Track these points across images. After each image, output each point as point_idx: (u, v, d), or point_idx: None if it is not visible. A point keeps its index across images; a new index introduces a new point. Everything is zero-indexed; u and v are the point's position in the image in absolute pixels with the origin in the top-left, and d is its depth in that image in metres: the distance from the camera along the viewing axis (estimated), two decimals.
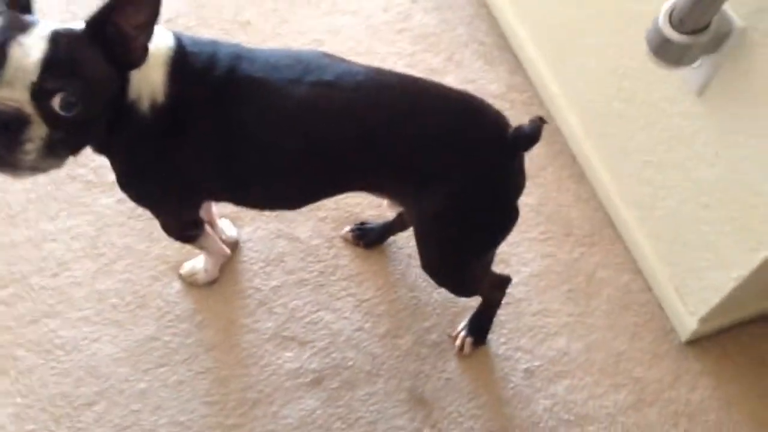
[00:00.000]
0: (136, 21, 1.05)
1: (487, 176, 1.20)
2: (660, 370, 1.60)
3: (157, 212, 1.43)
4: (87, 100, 1.03)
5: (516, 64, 2.06)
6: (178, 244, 1.67)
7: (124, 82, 1.12)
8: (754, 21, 1.26)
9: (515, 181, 1.25)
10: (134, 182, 1.31)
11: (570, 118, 1.87)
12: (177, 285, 1.64)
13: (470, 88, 1.97)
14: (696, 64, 1.35)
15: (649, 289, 1.70)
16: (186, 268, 1.65)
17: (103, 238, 1.69)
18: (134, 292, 1.63)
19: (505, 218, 1.27)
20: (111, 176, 1.72)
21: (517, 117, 1.80)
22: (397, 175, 1.22)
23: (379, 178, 1.26)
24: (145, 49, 1.08)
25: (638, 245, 1.70)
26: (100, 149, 1.23)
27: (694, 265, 1.55)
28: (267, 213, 1.74)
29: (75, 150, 1.12)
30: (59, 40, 1.02)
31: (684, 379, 1.60)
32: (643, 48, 1.40)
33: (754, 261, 1.38)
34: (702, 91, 1.40)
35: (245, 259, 1.69)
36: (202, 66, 1.16)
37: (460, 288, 1.46)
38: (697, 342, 1.64)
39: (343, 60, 1.23)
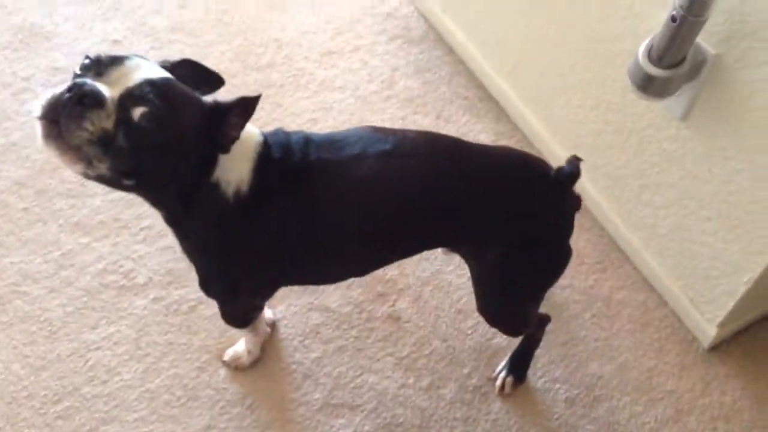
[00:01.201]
0: (239, 116, 1.16)
1: (541, 222, 1.31)
2: (690, 380, 1.70)
3: (229, 301, 1.50)
4: (165, 130, 1.08)
5: (500, 112, 2.19)
6: (216, 333, 1.74)
7: (209, 161, 1.20)
8: (725, 48, 1.38)
9: (566, 221, 1.35)
10: (214, 272, 1.37)
11: (560, 154, 1.98)
12: (223, 372, 1.71)
13: None
14: (677, 93, 1.48)
15: (665, 303, 1.80)
16: (229, 354, 1.71)
17: (145, 338, 1.76)
18: (184, 385, 1.69)
19: (561, 258, 1.37)
20: (142, 278, 1.84)
21: None
22: (459, 232, 1.33)
23: (443, 236, 1.36)
24: (234, 141, 1.17)
25: (647, 264, 1.81)
26: (170, 221, 1.29)
27: (705, 274, 1.65)
28: (296, 289, 1.82)
29: (124, 172, 1.10)
30: (174, 82, 1.12)
31: (713, 384, 1.69)
32: (622, 83, 1.53)
33: (762, 263, 1.49)
34: (686, 116, 1.52)
35: (283, 336, 1.77)
36: (281, 155, 1.26)
37: (513, 328, 1.55)
38: (718, 347, 1.74)
39: (395, 130, 1.34)
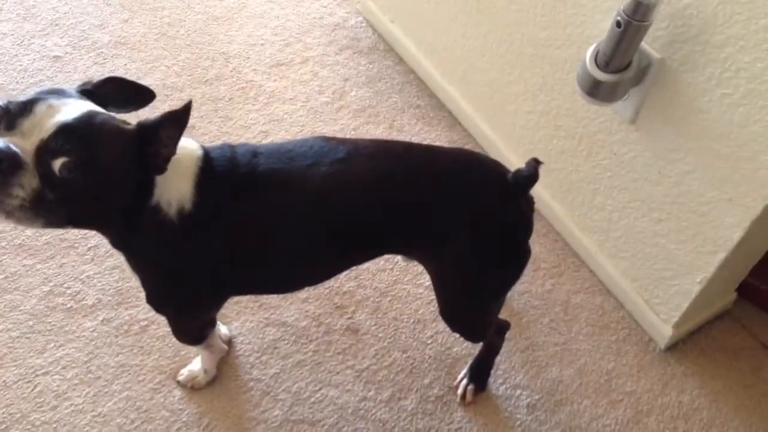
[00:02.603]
0: (169, 133, 1.11)
1: (497, 223, 1.30)
2: (648, 380, 1.71)
3: (180, 315, 1.46)
4: (90, 175, 1.04)
5: (453, 120, 2.19)
6: (170, 353, 1.70)
7: (146, 185, 1.16)
8: (669, 52, 1.41)
9: (524, 222, 1.34)
10: (162, 288, 1.33)
11: (513, 160, 1.99)
12: (178, 392, 1.66)
13: None
14: (625, 97, 1.49)
15: (622, 306, 1.82)
16: (184, 373, 1.67)
17: (96, 361, 1.70)
18: (137, 408, 1.64)
19: (518, 259, 1.36)
20: (90, 299, 1.78)
21: None
22: (415, 235, 1.31)
23: (400, 239, 1.34)
24: (168, 160, 1.13)
25: (602, 267, 1.82)
26: (117, 245, 1.26)
27: (659, 275, 1.67)
28: (251, 304, 1.78)
29: (66, 221, 1.10)
30: (90, 117, 1.06)
31: (671, 384, 1.71)
32: (572, 88, 1.54)
33: (714, 263, 1.51)
34: (634, 119, 1.54)
35: (240, 352, 1.73)
36: (225, 170, 1.22)
37: (474, 332, 1.54)
38: (675, 347, 1.76)
39: (346, 139, 1.32)
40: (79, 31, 2.33)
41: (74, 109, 1.07)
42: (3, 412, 1.61)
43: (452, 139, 2.14)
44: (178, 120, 1.11)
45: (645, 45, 1.41)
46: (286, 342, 1.75)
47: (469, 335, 1.56)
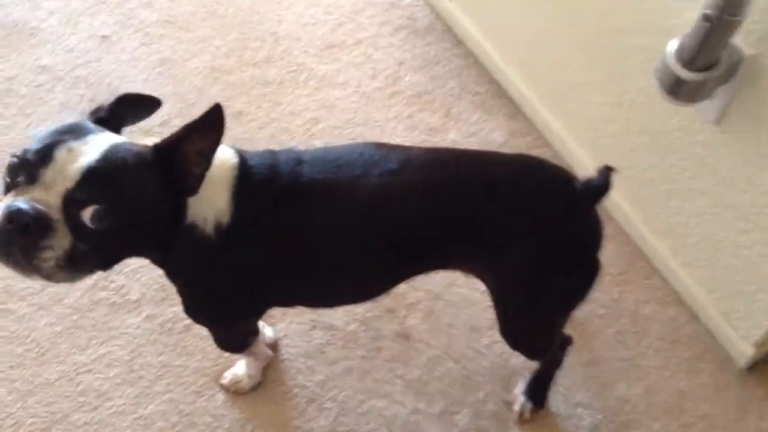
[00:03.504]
0: (198, 147, 1.03)
1: (562, 235, 1.20)
2: (725, 403, 1.58)
3: (221, 327, 1.41)
4: (122, 218, 1.00)
5: (514, 109, 2.05)
6: (213, 355, 1.64)
7: (179, 207, 1.09)
8: (762, 48, 1.26)
9: (592, 234, 1.24)
10: (203, 303, 1.28)
11: (580, 154, 1.85)
12: (221, 396, 1.61)
13: (473, 141, 2.00)
14: (711, 97, 1.34)
15: (697, 319, 1.68)
16: (228, 377, 1.61)
17: (139, 359, 1.65)
18: (179, 411, 1.59)
19: (586, 274, 1.26)
20: (134, 295, 1.73)
21: None
22: (472, 248, 1.22)
23: (456, 254, 1.25)
24: (201, 178, 1.06)
25: (676, 275, 1.69)
26: (155, 263, 1.21)
27: (740, 288, 1.53)
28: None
29: (103, 266, 1.07)
30: (113, 154, 1.00)
31: (751, 408, 1.58)
32: (647, 81, 1.40)
33: None
34: (720, 120, 1.40)
35: (285, 356, 1.66)
36: (265, 179, 1.15)
37: (537, 351, 1.45)
38: (755, 367, 1.62)
39: (397, 147, 1.24)
40: (126, 9, 2.26)
41: (94, 147, 1.00)
42: (44, 411, 1.58)
43: (513, 130, 2.01)
44: (206, 130, 1.02)
45: (735, 39, 1.26)
46: (333, 347, 1.67)
47: (531, 354, 1.46)
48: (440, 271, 1.36)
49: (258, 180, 1.15)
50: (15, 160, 0.99)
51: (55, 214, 0.96)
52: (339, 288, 1.32)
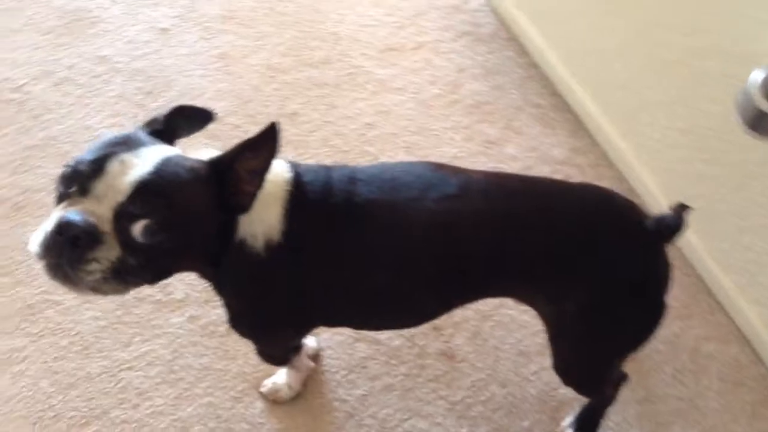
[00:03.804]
0: (251, 166, 1.01)
1: (629, 274, 1.14)
2: None
3: (265, 343, 1.39)
4: (173, 234, 0.97)
5: (577, 125, 1.98)
6: (254, 360, 1.61)
7: (230, 223, 1.07)
8: None
9: (661, 276, 1.17)
10: (249, 317, 1.25)
11: (645, 177, 1.78)
12: (260, 404, 1.58)
13: (532, 156, 1.93)
14: None
15: (762, 361, 1.59)
16: (267, 385, 1.58)
17: (180, 360, 1.63)
18: (217, 416, 1.56)
19: (651, 317, 1.19)
20: (179, 294, 1.71)
21: (587, 181, 1.72)
22: (533, 279, 1.17)
23: (513, 283, 1.20)
24: (254, 197, 1.03)
25: (743, 313, 1.60)
26: (205, 278, 1.19)
27: None
28: None
29: (150, 280, 1.05)
30: (165, 167, 0.98)
31: None
32: (720, 108, 1.33)
33: None
34: None
35: (327, 367, 1.63)
36: (318, 196, 1.11)
37: (591, 389, 1.39)
38: None
39: (457, 169, 1.18)
40: (187, 1, 2.25)
41: (147, 160, 0.98)
42: (84, 405, 1.57)
43: (574, 147, 1.94)
44: (260, 148, 1.00)
45: None
46: (376, 362, 1.62)
47: (584, 391, 1.39)
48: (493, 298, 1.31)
49: (311, 197, 1.11)
50: (68, 170, 0.97)
51: (106, 226, 0.95)
52: (386, 312, 1.27)
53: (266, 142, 0.99)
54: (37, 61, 2.08)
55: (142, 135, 1.04)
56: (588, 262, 1.13)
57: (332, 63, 2.11)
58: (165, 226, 0.96)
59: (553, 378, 1.53)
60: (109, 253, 0.95)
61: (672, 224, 1.12)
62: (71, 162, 0.98)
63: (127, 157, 0.97)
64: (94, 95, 2.03)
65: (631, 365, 1.57)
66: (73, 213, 0.94)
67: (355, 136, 1.97)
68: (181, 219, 0.98)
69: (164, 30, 2.18)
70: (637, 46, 1.66)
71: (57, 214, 0.95)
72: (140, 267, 0.98)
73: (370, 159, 1.92)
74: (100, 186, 0.95)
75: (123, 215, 0.95)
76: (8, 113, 1.98)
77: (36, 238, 0.96)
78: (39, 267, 0.98)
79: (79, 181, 0.96)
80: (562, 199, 1.17)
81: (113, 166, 0.96)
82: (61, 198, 0.98)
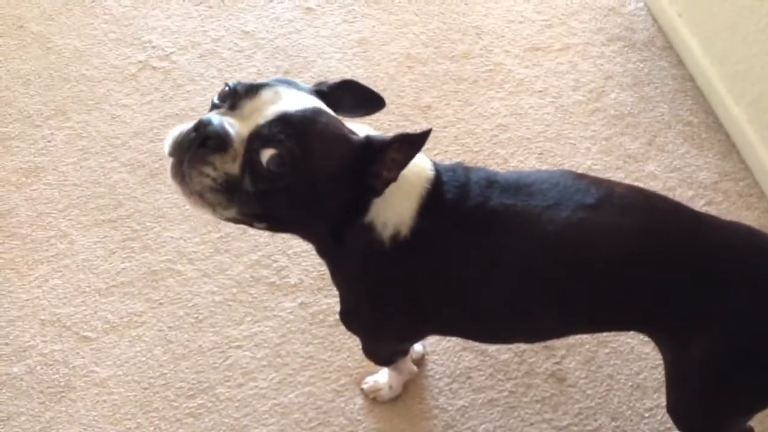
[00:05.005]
0: (394, 156, 1.00)
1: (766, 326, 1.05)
2: None
3: (371, 340, 1.37)
4: (296, 173, 0.96)
5: (729, 147, 1.83)
6: (359, 356, 1.60)
7: (361, 202, 1.06)
8: None
9: None
10: (361, 311, 1.24)
11: None
12: (359, 401, 1.57)
13: (675, 177, 1.80)
14: None
15: None
16: (369, 383, 1.57)
17: (287, 346, 1.65)
18: (317, 407, 1.57)
19: None
20: (293, 278, 1.73)
21: (733, 210, 1.59)
22: (663, 316, 1.10)
23: (640, 315, 1.13)
24: (388, 184, 1.02)
25: None
26: (322, 253, 1.18)
27: None
28: None
29: (259, 216, 1.03)
30: (316, 115, 0.99)
31: None
32: None
33: None
34: None
35: (430, 373, 1.60)
36: (454, 197, 1.09)
37: None
38: None
39: (599, 180, 1.13)
40: None
41: (300, 101, 0.99)
42: (193, 378, 1.62)
43: (723, 171, 1.79)
44: (411, 145, 0.99)
45: None
46: (481, 374, 1.58)
47: None
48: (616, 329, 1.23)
49: (447, 198, 1.09)
50: (227, 88, 1.00)
51: (238, 142, 0.95)
52: (504, 326, 1.23)
53: (419, 142, 0.98)
54: (187, 32, 2.15)
55: (306, 86, 1.06)
56: (727, 308, 1.04)
57: (472, 58, 2.05)
58: (292, 162, 0.95)
59: (670, 419, 1.43)
60: (230, 164, 0.95)
61: None
62: (233, 83, 1.01)
63: (283, 90, 0.99)
64: (235, 70, 2.07)
65: (759, 420, 1.44)
66: (215, 117, 0.96)
67: (487, 136, 1.91)
68: (310, 164, 0.97)
69: (309, 9, 2.19)
70: None
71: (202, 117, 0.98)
72: (254, 196, 0.97)
73: (500, 162, 1.86)
74: (248, 106, 0.97)
75: (257, 137, 0.95)
76: (154, 81, 2.05)
77: (172, 134, 0.97)
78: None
79: (232, 98, 0.99)
80: (713, 235, 1.08)
81: (267, 94, 0.98)
82: (213, 108, 1.01)
